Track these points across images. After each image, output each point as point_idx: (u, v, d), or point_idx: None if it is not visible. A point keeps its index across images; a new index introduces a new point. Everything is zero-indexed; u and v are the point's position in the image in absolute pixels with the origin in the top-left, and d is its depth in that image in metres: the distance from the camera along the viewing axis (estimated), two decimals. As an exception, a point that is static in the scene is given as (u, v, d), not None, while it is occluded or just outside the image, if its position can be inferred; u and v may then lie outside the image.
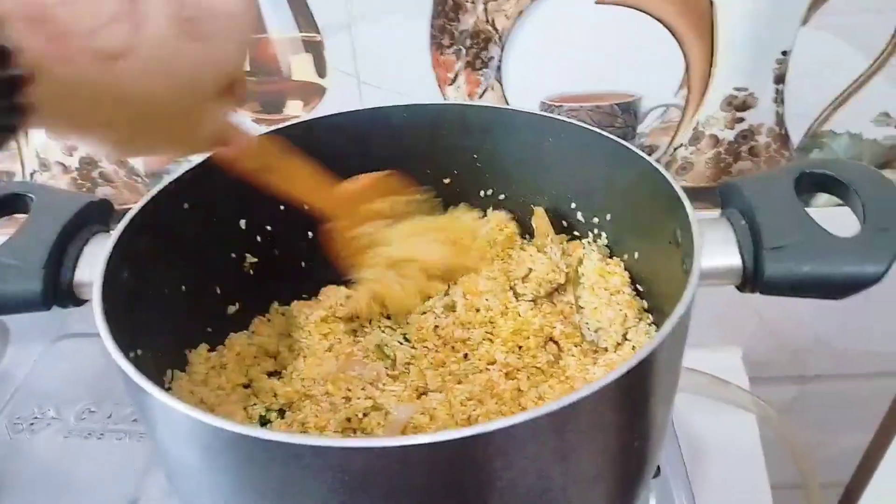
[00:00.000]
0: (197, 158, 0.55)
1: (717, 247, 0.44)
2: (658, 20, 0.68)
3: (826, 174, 0.46)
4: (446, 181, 0.65)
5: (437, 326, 0.58)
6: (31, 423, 0.65)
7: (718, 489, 0.76)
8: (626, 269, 0.58)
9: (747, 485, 0.80)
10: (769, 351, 0.91)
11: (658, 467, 0.67)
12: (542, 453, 0.34)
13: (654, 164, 0.50)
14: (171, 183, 0.52)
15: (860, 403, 0.94)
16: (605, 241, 0.60)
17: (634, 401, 0.37)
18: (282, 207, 0.62)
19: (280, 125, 0.60)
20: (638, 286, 0.57)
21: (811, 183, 0.47)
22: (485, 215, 0.65)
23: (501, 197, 0.65)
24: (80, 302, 0.46)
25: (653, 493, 0.63)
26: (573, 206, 0.61)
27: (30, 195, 0.48)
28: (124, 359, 0.36)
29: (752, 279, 0.43)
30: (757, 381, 0.88)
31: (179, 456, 0.38)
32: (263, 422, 0.52)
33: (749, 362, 0.90)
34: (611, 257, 0.59)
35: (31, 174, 0.80)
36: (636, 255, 0.56)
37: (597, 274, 0.57)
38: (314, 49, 0.71)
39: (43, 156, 0.78)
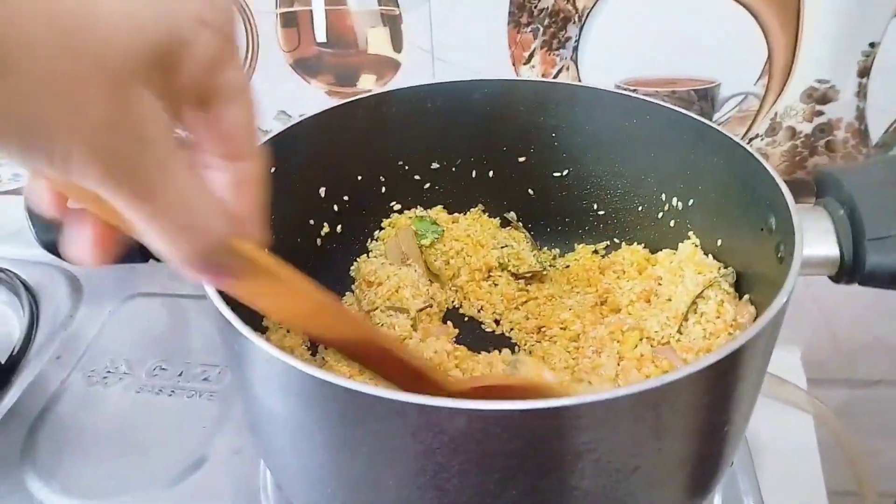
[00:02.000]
0: (273, 129, 0.56)
1: (814, 235, 0.43)
2: (742, 4, 0.66)
3: (929, 167, 0.45)
4: (521, 159, 0.65)
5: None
6: (104, 377, 0.67)
7: (775, 488, 0.75)
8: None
9: (804, 486, 0.79)
10: (828, 352, 0.90)
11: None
12: (637, 429, 0.34)
13: (747, 147, 0.49)
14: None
15: (921, 411, 0.92)
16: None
17: (730, 384, 0.37)
18: (360, 178, 0.62)
19: (354, 97, 0.60)
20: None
21: (911, 175, 0.46)
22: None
23: (575, 180, 0.64)
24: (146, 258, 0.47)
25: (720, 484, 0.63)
26: (654, 189, 0.60)
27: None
28: (228, 309, 0.37)
29: (849, 270, 0.43)
30: (814, 383, 0.86)
31: (271, 406, 0.39)
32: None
33: (807, 363, 0.88)
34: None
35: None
36: (719, 242, 0.55)
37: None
38: (392, 22, 0.71)
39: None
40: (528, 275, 0.62)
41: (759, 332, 0.36)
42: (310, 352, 0.55)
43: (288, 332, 0.54)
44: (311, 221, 0.59)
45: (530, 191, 0.66)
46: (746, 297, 0.52)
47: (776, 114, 0.72)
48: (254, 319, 0.50)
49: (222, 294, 0.38)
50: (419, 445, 0.33)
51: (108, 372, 0.67)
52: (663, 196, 0.59)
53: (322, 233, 0.61)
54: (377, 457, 0.35)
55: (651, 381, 0.32)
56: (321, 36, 0.72)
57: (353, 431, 0.35)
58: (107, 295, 0.76)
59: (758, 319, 0.36)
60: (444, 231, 0.63)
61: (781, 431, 0.81)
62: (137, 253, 0.45)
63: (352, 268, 0.63)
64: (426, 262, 0.62)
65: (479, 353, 0.54)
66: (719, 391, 0.36)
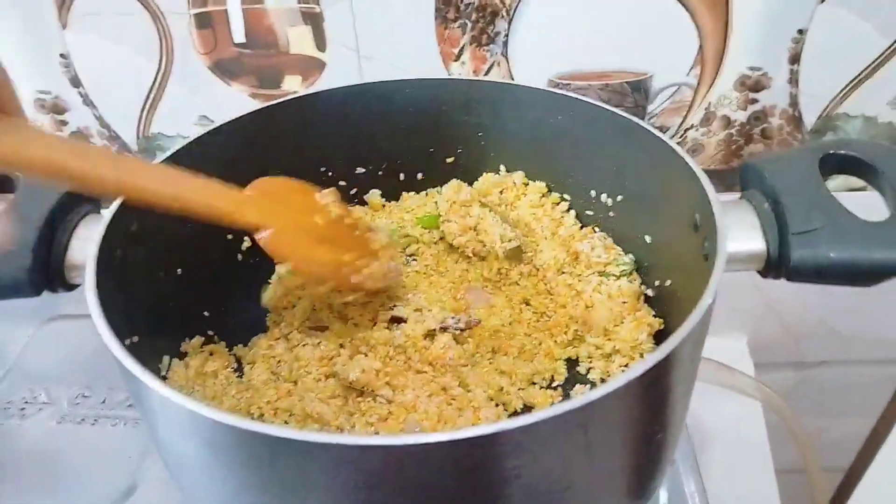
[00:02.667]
0: (192, 134, 0.53)
1: (739, 230, 0.42)
2: (671, -5, 0.66)
3: (851, 156, 0.44)
4: (449, 160, 0.63)
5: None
6: (22, 408, 0.63)
7: (723, 474, 0.75)
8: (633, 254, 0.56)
9: (752, 470, 0.79)
10: (774, 336, 0.90)
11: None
12: (565, 449, 0.32)
13: (672, 144, 0.48)
14: (164, 160, 0.49)
15: (863, 389, 0.93)
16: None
17: (660, 393, 0.35)
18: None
19: (277, 100, 0.58)
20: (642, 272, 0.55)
21: (835, 164, 0.45)
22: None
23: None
24: (71, 287, 0.44)
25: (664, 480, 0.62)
26: (582, 186, 0.58)
27: (15, 174, 0.46)
28: (120, 347, 0.34)
29: (776, 265, 0.42)
30: (761, 367, 0.87)
31: (179, 450, 0.36)
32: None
33: (753, 348, 0.89)
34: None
35: (19, 150, 0.77)
36: (647, 238, 0.54)
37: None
38: (313, 21, 0.68)
39: (30, 131, 0.75)
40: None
41: (685, 337, 0.34)
42: (236, 374, 0.52)
43: (211, 355, 0.52)
44: (230, 236, 0.56)
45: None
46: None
47: (710, 103, 0.72)
48: (154, 360, 0.48)
49: (119, 332, 0.35)
50: (336, 483, 0.31)
51: (27, 403, 0.63)
52: (593, 192, 0.58)
53: (242, 248, 0.58)
54: (295, 497, 0.33)
55: (574, 401, 0.30)
56: (239, 36, 0.69)
57: (264, 474, 0.33)
58: (25, 318, 0.72)
59: (683, 324, 0.35)
60: None
61: (729, 418, 0.82)
62: (27, 285, 0.42)
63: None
64: None
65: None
66: (648, 402, 0.35)
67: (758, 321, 0.89)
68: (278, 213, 0.46)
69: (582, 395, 0.31)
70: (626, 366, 0.50)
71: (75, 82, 0.72)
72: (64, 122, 0.75)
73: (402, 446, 0.29)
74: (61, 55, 0.70)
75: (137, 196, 0.40)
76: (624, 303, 0.51)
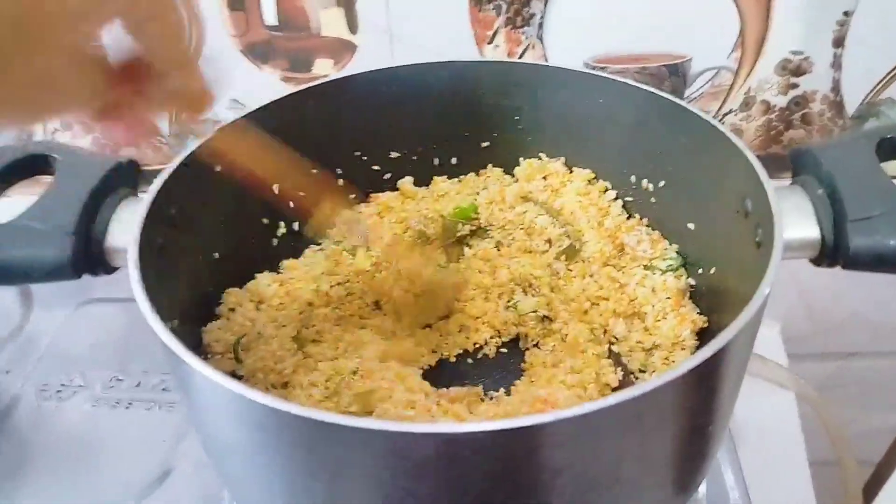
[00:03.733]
0: (229, 117, 0.52)
1: (793, 217, 0.41)
2: (712, -24, 0.64)
3: (911, 141, 0.42)
4: (485, 144, 0.62)
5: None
6: (59, 391, 0.63)
7: (758, 465, 0.74)
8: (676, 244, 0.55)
9: (786, 461, 0.78)
10: (807, 327, 0.89)
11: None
12: (616, 441, 0.32)
13: (718, 125, 0.47)
14: (198, 147, 0.49)
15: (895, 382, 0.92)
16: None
17: (714, 384, 0.34)
18: (314, 171, 0.59)
19: (309, 84, 0.57)
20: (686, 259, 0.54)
21: (892, 150, 0.43)
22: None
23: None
24: (111, 269, 0.44)
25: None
26: (624, 171, 0.57)
27: (53, 155, 0.45)
28: (165, 330, 0.34)
29: (831, 252, 0.40)
30: (794, 358, 0.85)
31: (223, 433, 0.36)
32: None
33: (787, 338, 0.87)
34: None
35: (53, 133, 0.77)
36: (691, 226, 0.53)
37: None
38: (346, 3, 0.67)
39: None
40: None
41: (743, 327, 0.34)
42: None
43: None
44: (265, 220, 0.56)
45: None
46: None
47: (750, 88, 0.70)
48: (194, 345, 0.48)
49: (162, 316, 0.35)
50: (383, 472, 0.31)
51: (63, 385, 0.63)
52: (633, 178, 0.56)
53: (278, 233, 0.57)
54: (338, 485, 0.33)
55: (630, 391, 0.29)
56: (271, 19, 0.68)
57: (310, 459, 0.32)
58: (59, 301, 0.72)
59: (742, 313, 0.34)
60: None
61: (763, 408, 0.80)
62: (67, 268, 0.42)
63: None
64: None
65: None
66: (703, 393, 0.34)
67: (789, 311, 0.87)
68: None
69: (638, 385, 0.30)
70: (665, 359, 0.49)
71: (106, 65, 0.72)
72: (95, 106, 0.74)
73: (455, 434, 0.28)
74: (93, 38, 0.70)
75: None
76: (668, 298, 0.50)
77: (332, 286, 0.56)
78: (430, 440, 0.29)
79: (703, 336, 0.51)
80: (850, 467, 0.87)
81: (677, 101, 0.50)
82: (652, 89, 0.52)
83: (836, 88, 0.69)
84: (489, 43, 0.69)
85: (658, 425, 0.33)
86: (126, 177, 0.48)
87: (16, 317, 0.72)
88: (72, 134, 0.76)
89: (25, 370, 0.66)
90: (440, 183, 0.62)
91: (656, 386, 0.30)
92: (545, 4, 0.66)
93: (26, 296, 0.74)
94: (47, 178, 0.46)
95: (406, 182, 0.63)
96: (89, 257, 0.43)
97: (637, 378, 0.52)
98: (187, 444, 0.58)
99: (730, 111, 0.71)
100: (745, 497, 0.59)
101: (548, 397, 0.47)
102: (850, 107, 0.70)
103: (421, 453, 0.30)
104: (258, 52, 0.70)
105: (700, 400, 0.34)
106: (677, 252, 0.54)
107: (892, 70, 0.68)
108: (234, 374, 0.48)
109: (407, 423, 0.29)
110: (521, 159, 0.61)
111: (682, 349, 0.50)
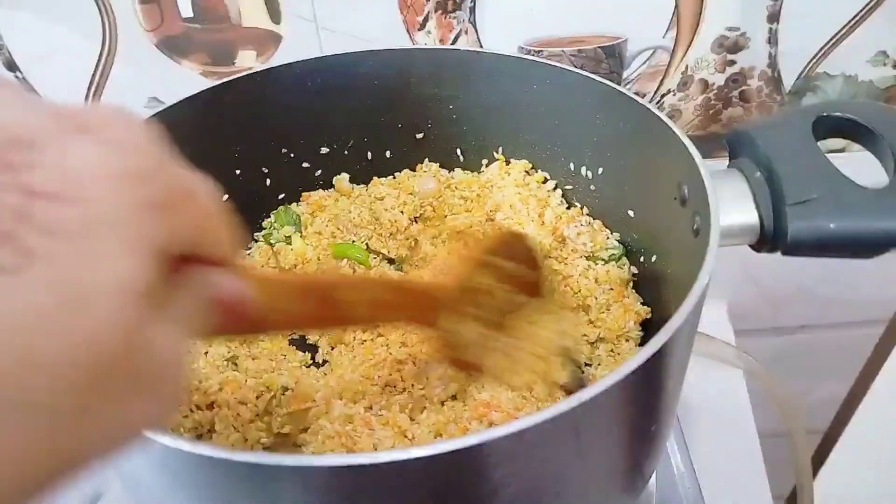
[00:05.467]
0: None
1: (730, 203, 0.40)
2: (645, -47, 0.62)
3: (848, 118, 0.41)
4: (419, 136, 0.59)
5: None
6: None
7: (707, 443, 0.75)
8: (616, 231, 0.53)
9: (736, 436, 0.79)
10: (753, 303, 0.89)
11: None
12: (557, 454, 0.30)
13: (654, 110, 0.45)
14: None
15: (842, 352, 0.93)
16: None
17: (654, 386, 0.33)
18: (238, 172, 0.56)
19: (231, 77, 0.53)
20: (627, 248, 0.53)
21: (829, 128, 0.42)
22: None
23: (477, 154, 0.59)
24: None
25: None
26: (562, 159, 0.55)
27: None
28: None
29: (771, 238, 0.39)
30: (741, 334, 0.86)
31: (134, 472, 0.33)
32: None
33: (733, 315, 0.88)
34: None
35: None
36: (631, 213, 0.51)
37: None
38: (267, -9, 0.63)
39: None
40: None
41: (680, 325, 0.32)
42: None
43: None
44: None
45: (430, 169, 0.60)
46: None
47: (687, 66, 0.69)
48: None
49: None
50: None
51: None
52: (571, 165, 0.55)
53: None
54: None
55: (563, 404, 0.28)
56: (186, 10, 0.64)
57: (228, 498, 0.29)
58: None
59: (678, 312, 0.32)
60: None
61: (711, 387, 0.81)
62: None
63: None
64: None
65: None
66: (643, 397, 0.33)
67: (736, 288, 0.87)
68: None
69: (571, 397, 0.28)
70: (611, 352, 0.48)
71: (11, 66, 0.67)
72: (1, 109, 0.69)
73: (380, 465, 0.26)
74: (-8, 36, 0.65)
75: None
76: (611, 289, 0.49)
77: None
78: (352, 473, 0.26)
79: (648, 325, 0.49)
80: (799, 439, 0.88)
81: (611, 84, 0.48)
82: (585, 73, 0.50)
83: (772, 64, 0.68)
84: (420, 29, 0.66)
85: (598, 435, 0.31)
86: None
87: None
88: None
89: None
90: (378, 185, 0.59)
91: (591, 396, 0.28)
92: (476, -13, 0.64)
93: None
94: None
95: (341, 179, 0.60)
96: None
97: (583, 372, 0.50)
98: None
99: (668, 91, 0.70)
100: (694, 481, 0.59)
101: (490, 401, 0.45)
102: (788, 82, 0.70)
103: (348, 486, 0.28)
104: (175, 47, 0.66)
105: (639, 404, 0.33)
106: (618, 241, 0.53)
107: (827, 44, 0.67)
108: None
109: (324, 457, 0.27)
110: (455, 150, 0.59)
111: (627, 340, 0.49)
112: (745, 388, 0.82)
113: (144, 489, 0.35)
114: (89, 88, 0.68)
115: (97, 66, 0.67)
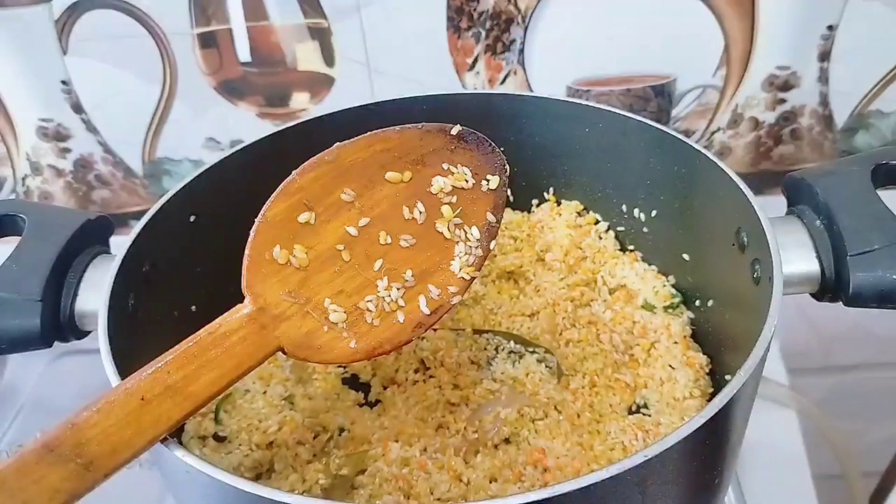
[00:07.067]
0: (204, 157, 0.51)
1: (791, 251, 0.39)
2: (694, -6, 0.63)
3: (908, 166, 0.41)
4: (470, 178, 0.60)
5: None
6: (35, 451, 0.60)
7: (761, 484, 0.73)
8: (671, 275, 0.53)
9: (789, 478, 0.77)
10: (806, 341, 0.87)
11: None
12: (620, 507, 0.30)
13: (709, 154, 0.45)
14: (174, 195, 0.47)
15: (899, 392, 0.90)
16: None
17: (718, 440, 0.33)
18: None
19: (288, 123, 0.55)
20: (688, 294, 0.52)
21: (888, 176, 0.42)
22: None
23: (528, 196, 0.60)
24: (83, 334, 0.42)
25: None
26: (614, 201, 0.56)
27: (21, 216, 0.43)
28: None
29: (833, 288, 0.39)
30: (794, 372, 0.84)
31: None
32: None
33: (786, 354, 0.86)
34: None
35: (23, 178, 0.75)
36: (686, 257, 0.51)
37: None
38: (321, 36, 0.66)
39: (34, 159, 0.73)
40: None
41: (748, 377, 0.32)
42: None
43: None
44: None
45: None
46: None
47: (737, 105, 0.69)
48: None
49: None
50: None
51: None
52: (624, 207, 0.55)
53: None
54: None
55: (630, 460, 0.28)
56: (244, 55, 0.66)
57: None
58: (34, 355, 0.70)
59: (743, 367, 0.32)
60: None
61: (764, 426, 0.79)
62: (36, 337, 0.40)
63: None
64: None
65: None
66: (707, 450, 0.32)
67: (789, 326, 0.86)
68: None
69: (637, 454, 0.28)
70: (674, 399, 0.48)
71: (77, 108, 0.70)
72: (67, 150, 0.72)
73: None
74: (62, 81, 0.68)
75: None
76: (675, 343, 0.48)
77: None
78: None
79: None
80: (855, 480, 0.85)
81: (664, 128, 0.48)
82: (636, 116, 0.50)
83: (824, 102, 0.68)
84: (469, 70, 0.67)
85: (662, 489, 0.31)
86: (96, 233, 0.46)
87: (-7, 370, 0.70)
88: (42, 179, 0.74)
89: (3, 426, 0.64)
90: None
91: (656, 453, 0.28)
92: (525, 30, 0.65)
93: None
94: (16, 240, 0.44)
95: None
96: (58, 324, 0.41)
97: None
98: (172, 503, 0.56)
99: (718, 129, 0.70)
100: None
101: (545, 448, 0.45)
102: (840, 120, 0.69)
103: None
104: (233, 89, 0.68)
105: (704, 458, 0.32)
106: (674, 286, 0.52)
107: (880, 82, 0.67)
108: (216, 436, 0.46)
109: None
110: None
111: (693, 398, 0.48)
112: (798, 428, 0.80)
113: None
114: (149, 128, 0.71)
115: (157, 107, 0.70)
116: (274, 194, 0.37)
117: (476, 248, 0.39)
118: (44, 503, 0.30)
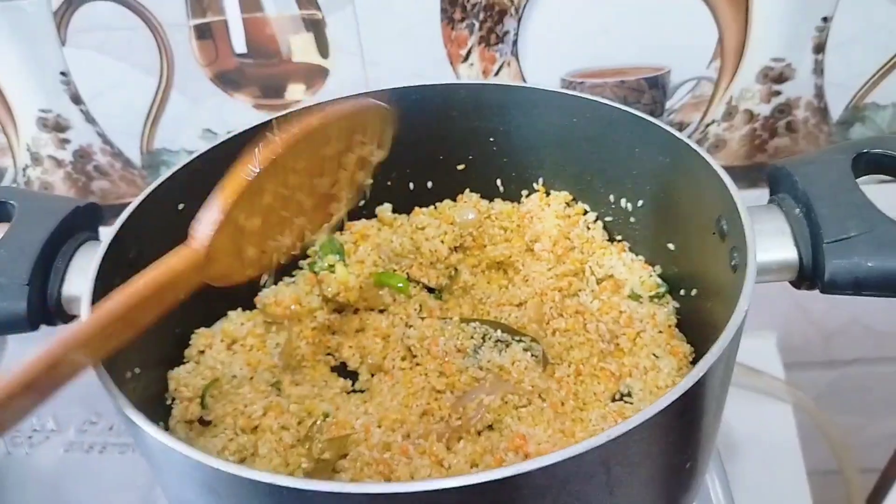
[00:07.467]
0: (200, 147, 0.51)
1: (769, 239, 0.39)
2: (687, -14, 0.63)
3: (889, 155, 0.41)
4: (460, 167, 0.60)
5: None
6: (30, 437, 0.62)
7: (753, 479, 0.73)
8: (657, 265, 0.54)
9: (784, 474, 0.77)
10: (804, 335, 0.87)
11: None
12: (587, 489, 0.30)
13: (692, 144, 0.45)
14: (162, 183, 0.47)
15: (898, 387, 0.90)
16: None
17: (687, 423, 0.33)
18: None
19: (281, 112, 0.56)
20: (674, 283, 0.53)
21: (869, 164, 0.42)
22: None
23: (518, 186, 0.60)
24: (69, 318, 0.43)
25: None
26: (601, 191, 0.56)
27: (11, 202, 0.44)
28: (117, 388, 0.33)
29: (810, 275, 0.39)
30: (792, 367, 0.83)
31: (183, 495, 0.34)
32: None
33: (784, 348, 0.86)
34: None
35: (24, 169, 0.76)
36: (671, 246, 0.51)
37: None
38: (315, 27, 0.66)
39: (34, 150, 0.74)
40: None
41: (714, 363, 0.32)
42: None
43: None
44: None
45: (472, 200, 0.61)
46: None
47: (731, 97, 0.68)
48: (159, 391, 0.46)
49: (116, 372, 0.34)
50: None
51: (34, 430, 0.62)
52: (611, 197, 0.55)
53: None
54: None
55: (592, 440, 0.28)
56: (240, 46, 0.67)
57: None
58: (31, 340, 0.71)
59: (711, 349, 0.32)
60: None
61: (758, 420, 0.79)
62: (23, 320, 0.40)
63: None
64: None
65: None
66: (675, 434, 0.33)
67: (787, 320, 0.86)
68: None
69: (601, 434, 0.28)
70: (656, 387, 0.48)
71: (76, 99, 0.71)
72: (66, 141, 0.73)
73: (410, 493, 0.27)
74: (61, 72, 0.69)
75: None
76: (660, 332, 0.49)
77: (318, 305, 0.54)
78: (385, 500, 0.27)
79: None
80: (852, 477, 0.85)
81: (649, 118, 0.48)
82: (622, 106, 0.50)
83: (819, 94, 0.68)
84: (464, 61, 0.68)
85: (629, 471, 0.31)
86: (86, 220, 0.47)
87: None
88: (42, 169, 0.75)
89: None
90: (419, 215, 0.61)
91: (620, 433, 0.28)
92: (518, 22, 0.65)
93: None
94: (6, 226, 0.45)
95: (384, 209, 0.61)
96: (46, 308, 0.42)
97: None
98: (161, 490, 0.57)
99: (712, 121, 0.70)
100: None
101: (527, 434, 0.45)
102: (835, 112, 0.69)
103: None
104: (229, 80, 0.69)
105: (671, 441, 0.33)
106: (660, 275, 0.53)
107: (876, 74, 0.66)
108: (202, 420, 0.47)
109: (361, 484, 0.28)
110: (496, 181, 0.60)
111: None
112: (793, 423, 0.80)
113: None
114: (147, 119, 0.72)
115: (154, 98, 0.71)
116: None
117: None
118: None
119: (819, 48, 0.65)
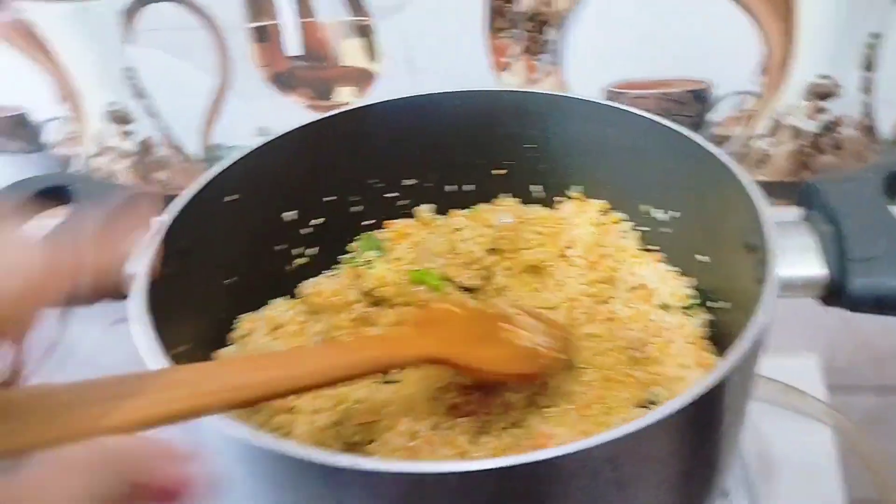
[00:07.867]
0: (249, 146, 0.54)
1: (795, 255, 0.40)
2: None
3: (921, 176, 0.41)
4: (499, 171, 0.62)
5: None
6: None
7: (787, 500, 0.72)
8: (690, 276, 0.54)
9: (819, 500, 0.75)
10: (851, 357, 0.85)
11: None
12: (594, 486, 0.31)
13: (723, 157, 0.46)
14: (216, 175, 0.50)
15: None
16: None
17: (705, 428, 0.34)
18: (332, 198, 0.60)
19: (331, 112, 0.58)
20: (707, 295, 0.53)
21: (901, 185, 0.42)
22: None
23: (554, 192, 0.61)
24: (123, 296, 0.46)
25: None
26: (636, 201, 0.57)
27: (71, 186, 0.48)
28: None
29: (836, 292, 0.39)
30: (837, 390, 0.82)
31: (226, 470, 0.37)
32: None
33: (828, 369, 0.84)
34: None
35: (90, 158, 0.80)
36: (704, 258, 0.52)
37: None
38: (365, 33, 0.69)
39: (101, 140, 0.79)
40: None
41: (731, 368, 0.33)
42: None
43: None
44: (277, 248, 0.57)
45: (509, 205, 0.63)
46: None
47: (776, 112, 0.68)
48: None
49: (164, 342, 0.37)
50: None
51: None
52: (646, 208, 0.56)
53: (293, 260, 0.59)
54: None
55: (599, 437, 0.29)
56: (294, 49, 0.70)
57: (291, 497, 0.33)
58: (94, 319, 0.75)
59: (726, 357, 0.33)
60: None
61: (797, 443, 0.78)
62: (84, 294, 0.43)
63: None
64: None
65: None
66: (687, 438, 0.33)
67: (833, 340, 0.84)
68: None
69: (608, 432, 0.29)
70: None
71: (140, 94, 0.75)
72: (130, 133, 0.78)
73: (418, 474, 0.29)
74: (127, 69, 0.73)
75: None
76: (689, 343, 0.49)
77: (356, 298, 0.57)
78: (396, 480, 0.29)
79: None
80: (893, 505, 0.83)
81: (684, 131, 0.49)
82: (660, 120, 0.51)
83: (866, 112, 0.67)
84: (506, 70, 0.69)
85: (637, 471, 0.32)
86: (142, 206, 0.50)
87: (52, 333, 0.75)
88: (108, 159, 0.79)
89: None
90: (457, 216, 0.62)
91: (627, 432, 0.29)
92: (561, 32, 0.66)
93: (63, 311, 0.77)
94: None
95: (423, 209, 0.63)
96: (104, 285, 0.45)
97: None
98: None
99: (757, 136, 0.70)
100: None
101: (550, 433, 0.46)
102: (884, 131, 0.68)
103: (396, 492, 0.30)
104: (283, 81, 0.72)
105: (683, 445, 0.33)
106: (692, 287, 0.53)
107: (928, 93, 0.65)
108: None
109: (380, 461, 0.29)
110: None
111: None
112: (833, 447, 0.78)
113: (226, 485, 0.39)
114: (205, 117, 0.76)
115: (213, 97, 0.74)
116: None
117: None
118: None
119: (867, 65, 0.64)
